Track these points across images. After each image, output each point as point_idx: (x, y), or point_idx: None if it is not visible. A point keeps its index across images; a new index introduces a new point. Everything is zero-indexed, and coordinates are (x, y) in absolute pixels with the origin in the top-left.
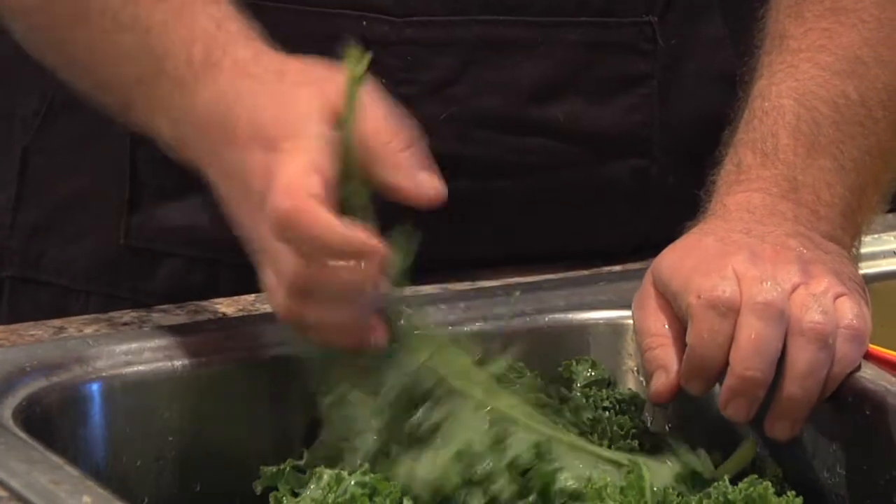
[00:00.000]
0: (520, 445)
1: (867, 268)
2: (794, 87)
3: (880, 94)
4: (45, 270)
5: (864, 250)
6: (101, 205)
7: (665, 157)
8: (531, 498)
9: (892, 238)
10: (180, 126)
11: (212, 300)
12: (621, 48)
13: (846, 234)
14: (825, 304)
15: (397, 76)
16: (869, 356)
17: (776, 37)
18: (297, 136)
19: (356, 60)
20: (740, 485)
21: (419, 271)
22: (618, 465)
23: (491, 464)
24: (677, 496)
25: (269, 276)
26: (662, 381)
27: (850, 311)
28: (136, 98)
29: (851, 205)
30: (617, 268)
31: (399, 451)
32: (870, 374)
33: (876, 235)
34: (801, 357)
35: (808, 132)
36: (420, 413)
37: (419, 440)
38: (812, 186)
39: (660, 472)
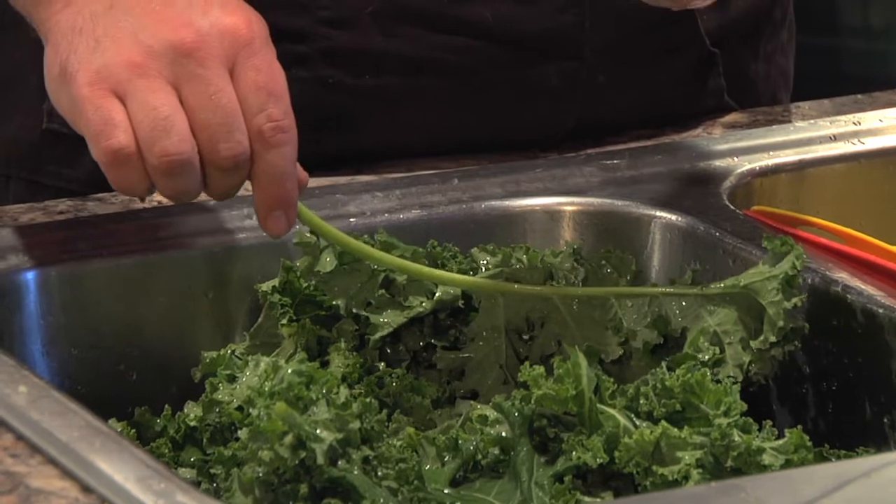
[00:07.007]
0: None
1: (804, 153)
2: None
3: None
4: None
5: (799, 136)
6: (23, 88)
7: (596, 58)
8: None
9: (827, 123)
10: None
11: None
12: None
13: None
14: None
15: None
16: (810, 244)
17: None
18: None
19: None
20: (678, 371)
21: (353, 160)
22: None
23: None
24: (612, 382)
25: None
26: None
27: None
28: None
29: None
30: (553, 155)
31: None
32: (812, 265)
33: (812, 121)
34: None
35: None
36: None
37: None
38: None
39: None
